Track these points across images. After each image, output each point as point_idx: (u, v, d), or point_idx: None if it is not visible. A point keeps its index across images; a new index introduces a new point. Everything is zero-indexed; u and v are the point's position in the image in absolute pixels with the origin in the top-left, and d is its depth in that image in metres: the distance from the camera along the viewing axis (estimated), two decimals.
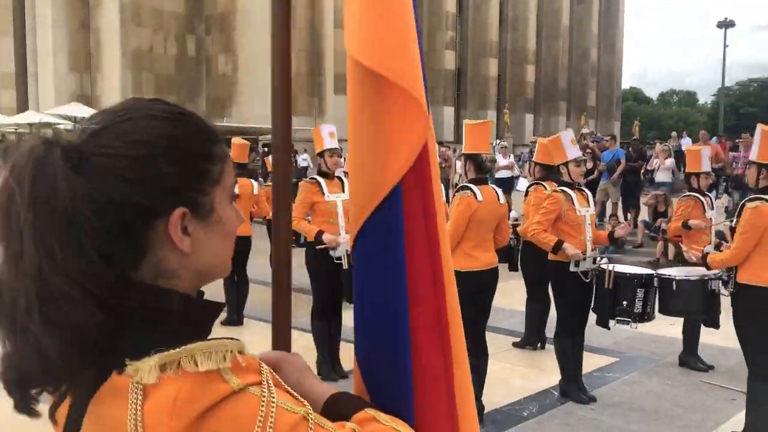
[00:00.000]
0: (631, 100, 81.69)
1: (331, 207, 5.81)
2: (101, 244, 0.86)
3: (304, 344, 6.97)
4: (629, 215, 14.10)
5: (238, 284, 7.81)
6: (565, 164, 5.65)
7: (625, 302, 5.15)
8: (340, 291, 5.90)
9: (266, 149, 21.23)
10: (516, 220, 10.56)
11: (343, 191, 5.91)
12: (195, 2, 36.37)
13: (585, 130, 17.53)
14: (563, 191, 5.53)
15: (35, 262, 0.85)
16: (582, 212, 5.51)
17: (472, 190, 4.86)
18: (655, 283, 5.40)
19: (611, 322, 5.33)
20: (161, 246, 0.92)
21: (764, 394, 4.36)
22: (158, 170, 0.90)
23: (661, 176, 13.74)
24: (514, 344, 7.08)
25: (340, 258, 5.75)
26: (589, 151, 14.85)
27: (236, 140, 7.91)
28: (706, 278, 5.28)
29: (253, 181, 7.91)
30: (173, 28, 36.29)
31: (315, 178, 5.90)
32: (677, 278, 5.39)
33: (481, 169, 5.01)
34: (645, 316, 5.25)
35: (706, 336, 6.18)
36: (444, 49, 41.25)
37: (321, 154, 5.93)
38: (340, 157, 6.00)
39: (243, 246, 7.75)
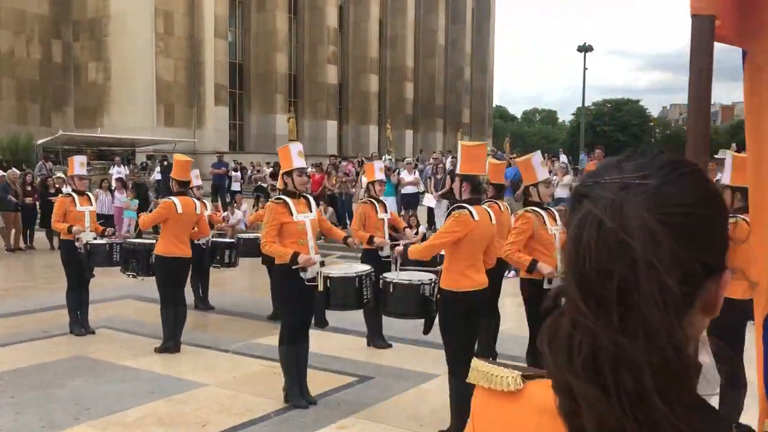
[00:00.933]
0: (497, 117, 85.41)
1: (301, 227, 5.59)
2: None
3: (258, 370, 6.66)
4: None
5: (176, 307, 7.33)
6: (535, 185, 5.74)
7: None
8: (310, 315, 5.70)
9: (165, 163, 20.21)
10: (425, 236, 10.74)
11: (311, 210, 5.72)
12: (61, 6, 34.28)
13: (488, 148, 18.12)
14: (534, 211, 5.61)
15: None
16: (552, 231, 5.61)
17: (468, 210, 4.82)
18: None
19: None
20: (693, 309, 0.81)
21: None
22: (718, 226, 0.83)
23: (560, 192, 14.40)
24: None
25: (312, 279, 5.54)
26: None
27: (179, 157, 7.55)
28: None
29: (195, 200, 7.48)
30: (37, 31, 34.03)
31: (282, 198, 5.65)
32: None
33: (477, 190, 4.99)
34: None
35: None
36: (326, 63, 41.31)
37: (289, 174, 5.70)
38: (309, 177, 5.79)
39: (182, 268, 7.35)
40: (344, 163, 18.71)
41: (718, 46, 1.50)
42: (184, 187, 7.25)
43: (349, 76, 44.56)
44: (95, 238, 7.88)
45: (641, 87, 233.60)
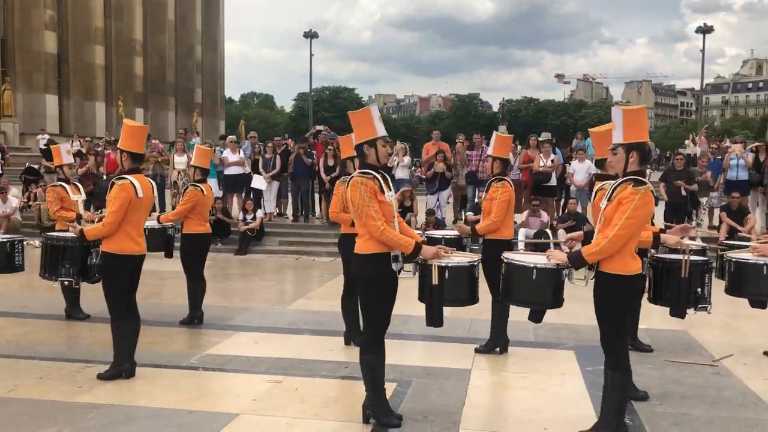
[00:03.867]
0: None
1: (391, 208, 4.59)
2: None
3: (268, 388, 5.42)
4: None
5: (132, 318, 5.69)
6: None
7: (699, 289, 5.18)
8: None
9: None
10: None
11: (390, 189, 4.70)
12: None
13: (320, 128, 17.18)
14: None
15: None
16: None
17: (649, 185, 4.27)
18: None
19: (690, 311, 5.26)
20: None
21: None
22: None
23: (400, 173, 14.28)
24: (478, 350, 6.60)
25: (399, 271, 4.60)
26: (331, 148, 14.64)
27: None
28: None
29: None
30: None
31: (371, 173, 4.54)
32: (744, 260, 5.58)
33: (645, 159, 4.47)
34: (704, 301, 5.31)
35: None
36: (43, 29, 36.24)
37: (372, 143, 4.60)
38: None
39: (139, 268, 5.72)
40: (154, 141, 16.41)
41: None
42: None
43: (70, 46, 39.61)
44: None
45: (343, 77, 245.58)
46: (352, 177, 4.60)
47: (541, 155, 13.74)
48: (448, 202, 15.29)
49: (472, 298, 4.78)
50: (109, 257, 5.48)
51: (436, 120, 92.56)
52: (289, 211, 15.85)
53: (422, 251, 4.54)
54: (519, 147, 15.39)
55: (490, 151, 6.59)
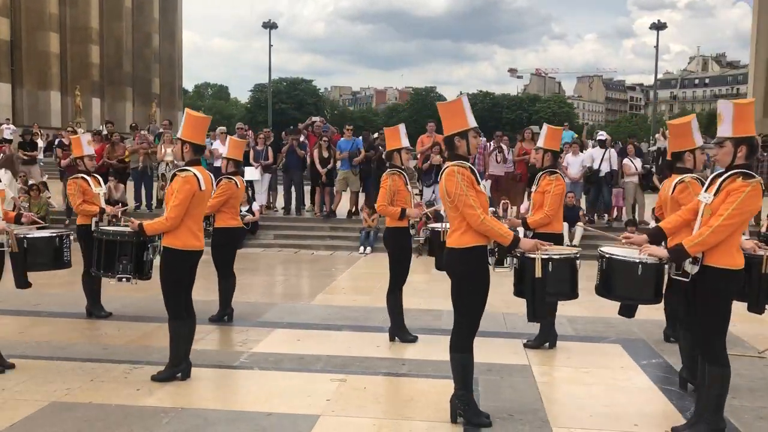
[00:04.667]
0: None
1: (486, 199, 4.50)
2: None
3: (334, 387, 5.26)
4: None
5: (189, 317, 5.45)
6: None
7: None
8: None
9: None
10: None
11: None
12: None
13: (316, 119, 16.83)
14: None
15: None
16: None
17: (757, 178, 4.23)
18: None
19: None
20: None
21: None
22: None
23: None
24: (527, 345, 6.54)
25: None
26: (325, 139, 14.41)
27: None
28: None
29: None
30: None
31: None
32: None
33: (753, 152, 4.41)
34: None
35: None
36: None
37: (464, 135, 4.49)
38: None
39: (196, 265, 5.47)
40: (142, 132, 15.84)
41: None
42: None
43: (22, 33, 38.17)
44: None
45: (297, 68, 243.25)
46: (447, 167, 4.46)
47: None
48: None
49: (573, 292, 4.71)
50: (171, 253, 5.22)
51: (393, 113, 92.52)
52: (278, 204, 15.56)
53: (521, 243, 4.44)
54: (483, 140, 15.27)
55: (540, 143, 6.51)
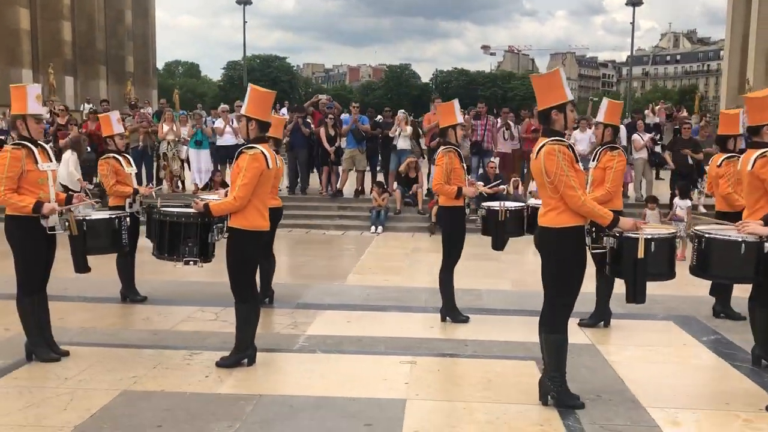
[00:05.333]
0: None
1: (585, 178, 4.40)
2: None
3: (415, 368, 5.14)
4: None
5: (256, 302, 5.28)
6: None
7: None
8: None
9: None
10: None
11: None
12: None
13: (322, 97, 16.48)
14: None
15: None
16: None
17: None
18: None
19: None
20: None
21: None
22: None
23: (402, 143, 13.93)
24: (582, 323, 6.47)
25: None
26: (331, 117, 14.16)
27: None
28: None
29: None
30: None
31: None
32: None
33: None
34: None
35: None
36: None
37: (562, 108, 4.34)
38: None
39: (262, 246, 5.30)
40: (142, 110, 15.38)
41: None
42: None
43: None
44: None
45: (267, 45, 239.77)
46: (544, 144, 4.31)
47: None
48: None
49: (671, 272, 4.61)
50: (239, 234, 5.02)
51: (367, 90, 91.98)
52: (282, 183, 15.28)
53: (620, 223, 4.33)
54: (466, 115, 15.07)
55: (600, 118, 6.38)
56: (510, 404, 4.57)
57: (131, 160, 7.42)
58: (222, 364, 5.20)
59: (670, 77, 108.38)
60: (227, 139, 14.12)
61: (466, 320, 6.57)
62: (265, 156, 5.02)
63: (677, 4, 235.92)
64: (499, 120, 14.49)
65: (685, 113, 24.69)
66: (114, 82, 45.92)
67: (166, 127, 14.10)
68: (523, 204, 6.61)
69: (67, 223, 5.20)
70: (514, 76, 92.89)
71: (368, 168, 14.28)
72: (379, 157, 14.64)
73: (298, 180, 14.65)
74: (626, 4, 52.58)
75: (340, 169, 14.30)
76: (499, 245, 6.53)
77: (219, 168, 14.18)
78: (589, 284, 7.95)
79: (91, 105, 25.81)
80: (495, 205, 6.51)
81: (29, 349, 5.27)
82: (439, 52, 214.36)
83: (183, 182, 14.73)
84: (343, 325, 6.50)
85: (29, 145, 5.14)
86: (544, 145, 4.31)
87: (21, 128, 5.18)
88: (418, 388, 4.84)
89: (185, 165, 14.57)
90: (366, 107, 18.23)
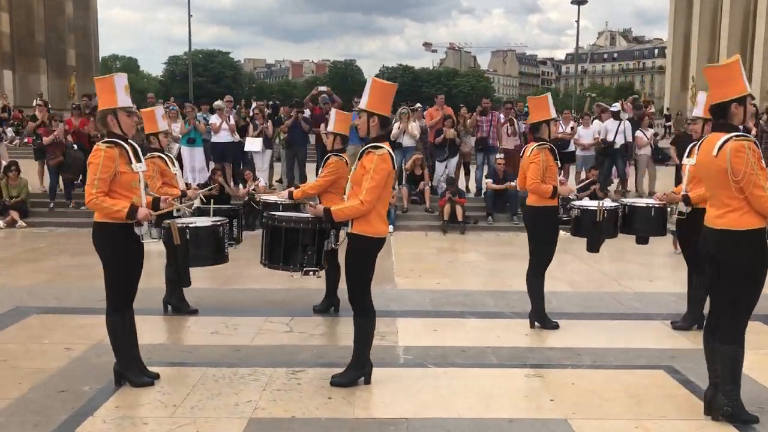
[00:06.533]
0: None
1: None
2: None
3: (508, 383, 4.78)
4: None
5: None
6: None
7: None
8: None
9: None
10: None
11: None
12: None
13: (323, 88, 15.83)
14: None
15: None
16: None
17: None
18: None
19: None
20: None
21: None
22: None
23: (407, 141, 13.50)
24: (676, 326, 6.23)
25: None
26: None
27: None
28: None
29: None
30: None
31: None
32: None
33: None
34: None
35: None
36: None
37: (742, 101, 4.03)
38: None
39: None
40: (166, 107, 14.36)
41: None
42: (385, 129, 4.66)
43: None
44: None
45: (204, 40, 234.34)
46: (727, 140, 3.98)
47: (561, 121, 13.51)
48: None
49: None
50: (363, 241, 4.54)
51: (312, 86, 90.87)
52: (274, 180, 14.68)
53: None
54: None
55: (698, 112, 6.11)
56: (679, 420, 4.25)
57: (173, 159, 6.82)
58: (339, 382, 4.72)
59: (608, 75, 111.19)
60: (222, 137, 13.40)
61: (556, 326, 6.23)
62: (391, 156, 4.56)
63: (610, 4, 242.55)
64: (502, 116, 14.22)
65: (652, 109, 25.03)
66: (55, 76, 43.91)
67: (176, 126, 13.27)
68: (617, 204, 6.29)
69: (161, 231, 4.61)
70: (458, 73, 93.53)
71: None
72: None
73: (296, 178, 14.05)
74: (571, 3, 53.47)
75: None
76: (595, 247, 6.20)
77: (213, 166, 13.44)
78: (671, 285, 7.83)
79: (39, 100, 24.34)
80: (592, 204, 6.18)
81: (119, 372, 4.66)
82: (378, 48, 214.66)
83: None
84: (431, 334, 6.07)
85: (122, 143, 4.53)
86: (727, 140, 3.99)
87: (112, 124, 4.56)
88: (568, 405, 4.46)
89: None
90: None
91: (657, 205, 6.14)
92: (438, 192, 13.46)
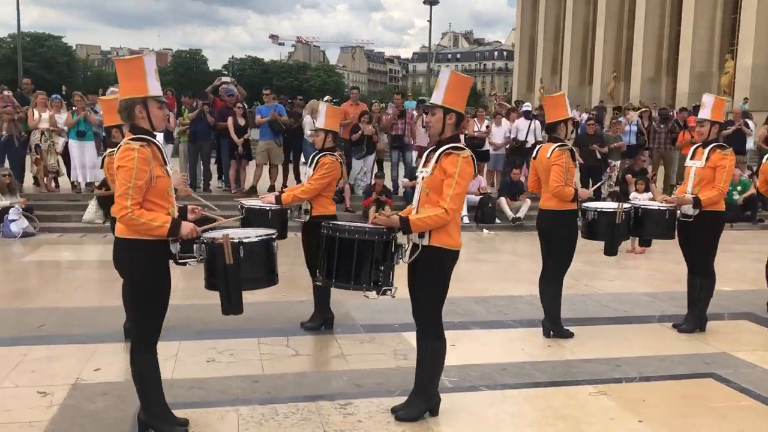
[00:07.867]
0: None
1: None
2: None
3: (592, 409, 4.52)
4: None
5: None
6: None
7: None
8: None
9: None
10: None
11: None
12: None
13: (226, 79, 14.35)
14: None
15: None
16: None
17: None
18: None
19: None
20: None
21: None
22: None
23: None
24: (681, 329, 6.18)
25: None
26: (240, 106, 12.68)
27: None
28: None
29: None
30: None
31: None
32: None
33: None
34: None
35: None
36: None
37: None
38: None
39: None
40: (6, 92, 12.30)
41: None
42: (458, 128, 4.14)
43: None
44: None
45: (25, 23, 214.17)
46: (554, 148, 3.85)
47: (476, 120, 13.43)
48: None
49: None
50: (441, 255, 3.98)
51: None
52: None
53: None
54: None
55: (706, 114, 6.04)
56: None
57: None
58: (405, 417, 4.13)
59: None
60: None
61: (571, 335, 5.97)
62: (473, 159, 4.03)
63: (451, 7, 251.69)
64: (414, 113, 13.93)
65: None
66: None
67: (39, 113, 11.63)
68: (629, 205, 6.13)
69: (202, 248, 3.76)
70: (309, 67, 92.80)
71: (290, 162, 13.04)
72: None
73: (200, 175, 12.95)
74: (423, 3, 54.61)
75: (253, 163, 12.88)
76: (613, 250, 5.99)
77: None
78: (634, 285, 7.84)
79: None
80: (610, 206, 5.97)
81: (145, 423, 3.76)
82: (221, 39, 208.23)
83: (57, 180, 12.31)
84: (450, 349, 5.50)
85: (154, 141, 3.65)
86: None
87: (140, 117, 3.66)
88: (658, 426, 4.17)
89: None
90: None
91: (669, 208, 6.05)
92: (355, 191, 12.95)
